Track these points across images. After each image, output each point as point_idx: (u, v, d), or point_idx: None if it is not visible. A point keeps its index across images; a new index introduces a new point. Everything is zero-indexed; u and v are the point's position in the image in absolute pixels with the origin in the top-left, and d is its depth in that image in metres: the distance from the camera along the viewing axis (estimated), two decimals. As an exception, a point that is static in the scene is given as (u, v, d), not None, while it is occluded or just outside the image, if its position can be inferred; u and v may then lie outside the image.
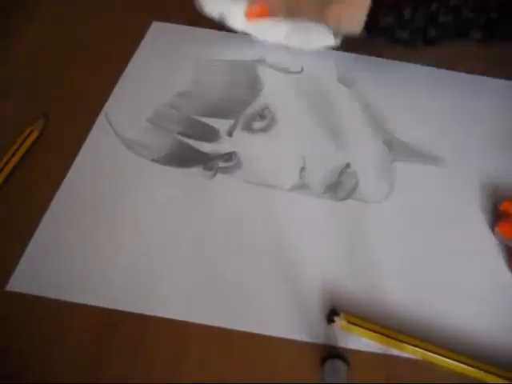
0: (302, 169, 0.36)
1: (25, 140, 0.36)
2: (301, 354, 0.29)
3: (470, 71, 0.43)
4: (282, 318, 0.30)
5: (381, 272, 0.32)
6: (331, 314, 0.29)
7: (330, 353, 0.28)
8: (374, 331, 0.29)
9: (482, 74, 0.43)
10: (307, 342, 0.29)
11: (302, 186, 0.35)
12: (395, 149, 0.37)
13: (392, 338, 0.28)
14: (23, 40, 0.44)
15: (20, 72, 0.42)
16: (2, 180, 0.35)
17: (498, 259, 0.33)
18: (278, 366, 0.28)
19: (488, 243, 0.34)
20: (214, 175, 0.36)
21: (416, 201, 0.35)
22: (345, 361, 0.27)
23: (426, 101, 0.41)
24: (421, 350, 0.28)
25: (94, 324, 0.29)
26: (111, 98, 0.40)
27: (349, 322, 0.29)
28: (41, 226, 0.33)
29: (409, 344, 0.28)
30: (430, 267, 0.32)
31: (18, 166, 0.36)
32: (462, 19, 0.35)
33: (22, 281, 0.30)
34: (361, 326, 0.29)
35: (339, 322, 0.29)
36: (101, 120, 0.38)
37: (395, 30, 0.36)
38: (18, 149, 0.36)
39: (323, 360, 0.28)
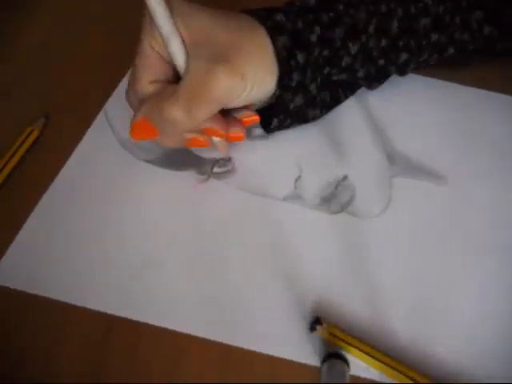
0: (298, 178, 0.35)
1: (25, 140, 0.36)
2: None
3: (475, 85, 0.42)
4: (275, 335, 0.29)
5: (372, 286, 0.31)
6: (314, 323, 0.29)
7: (330, 353, 0.28)
8: (355, 347, 0.28)
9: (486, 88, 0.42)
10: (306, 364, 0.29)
11: (295, 197, 0.35)
12: (396, 163, 0.37)
13: (373, 357, 0.28)
14: (23, 40, 0.44)
15: (20, 72, 0.42)
16: (1, 180, 0.35)
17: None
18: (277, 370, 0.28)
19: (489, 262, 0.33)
20: (207, 180, 0.35)
21: (412, 218, 0.34)
22: (345, 361, 0.27)
23: (429, 114, 0.40)
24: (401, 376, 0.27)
25: (91, 326, 0.29)
26: (112, 98, 0.40)
27: (330, 334, 0.28)
28: (26, 225, 0.33)
29: (392, 368, 0.27)
30: (425, 286, 0.31)
31: (18, 166, 0.36)
32: (355, 77, 0.35)
33: (7, 276, 0.31)
34: (342, 340, 0.28)
35: (320, 331, 0.28)
36: (99, 119, 0.38)
37: (307, 111, 0.35)
38: (17, 149, 0.36)
39: (323, 360, 0.28)
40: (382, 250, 0.33)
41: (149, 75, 0.30)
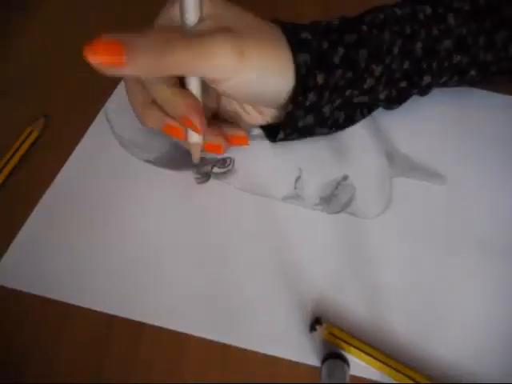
0: (298, 179, 0.35)
1: (25, 140, 0.36)
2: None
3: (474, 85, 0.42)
4: (275, 335, 0.29)
5: (372, 286, 0.31)
6: (314, 323, 0.29)
7: (330, 353, 0.28)
8: (355, 347, 0.28)
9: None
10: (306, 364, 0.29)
11: (295, 197, 0.35)
12: (396, 163, 0.37)
13: (373, 357, 0.28)
14: (23, 40, 0.44)
15: (20, 71, 0.42)
16: (1, 180, 0.35)
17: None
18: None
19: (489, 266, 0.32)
20: (207, 180, 0.35)
21: (412, 218, 0.34)
22: (345, 361, 0.27)
23: (429, 114, 0.40)
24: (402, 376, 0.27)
25: (91, 326, 0.29)
26: (112, 98, 0.40)
27: (330, 334, 0.28)
28: (26, 225, 0.33)
29: (392, 368, 0.28)
30: (425, 286, 0.31)
31: (18, 166, 0.36)
32: (377, 99, 0.35)
33: (7, 276, 0.31)
34: (342, 340, 0.28)
35: (320, 331, 0.29)
36: (99, 119, 0.38)
37: (314, 130, 0.34)
38: (17, 149, 0.36)
39: (323, 360, 0.28)
40: (382, 249, 0.33)
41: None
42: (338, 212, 0.34)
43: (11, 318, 0.29)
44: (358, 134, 0.38)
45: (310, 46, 0.30)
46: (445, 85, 0.38)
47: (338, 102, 0.33)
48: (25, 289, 0.30)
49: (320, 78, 0.30)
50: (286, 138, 0.34)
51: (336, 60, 0.31)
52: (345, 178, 0.35)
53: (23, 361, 0.28)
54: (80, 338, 0.29)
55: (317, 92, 0.31)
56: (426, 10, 0.34)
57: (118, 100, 0.40)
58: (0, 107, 0.39)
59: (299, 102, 0.31)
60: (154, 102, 0.30)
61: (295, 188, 0.35)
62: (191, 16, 0.27)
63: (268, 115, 0.34)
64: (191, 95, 0.29)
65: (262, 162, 0.36)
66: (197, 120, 0.28)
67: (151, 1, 0.49)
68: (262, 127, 0.36)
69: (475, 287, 0.32)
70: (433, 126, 0.39)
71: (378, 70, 0.32)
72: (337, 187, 0.35)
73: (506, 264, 0.33)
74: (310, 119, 0.33)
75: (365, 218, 0.34)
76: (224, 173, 0.36)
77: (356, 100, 0.34)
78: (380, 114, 0.39)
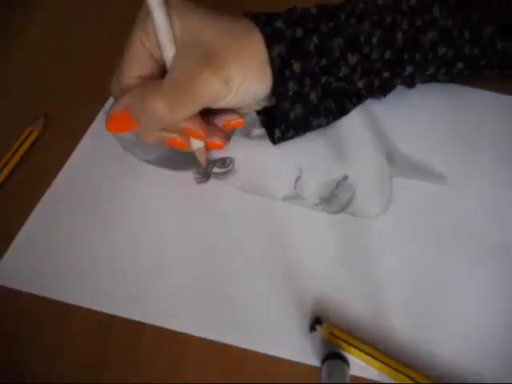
0: (298, 179, 0.35)
1: (25, 140, 0.36)
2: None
3: (475, 85, 0.42)
4: (275, 335, 0.29)
5: (373, 286, 0.31)
6: (314, 323, 0.29)
7: (330, 353, 0.28)
8: (355, 347, 0.28)
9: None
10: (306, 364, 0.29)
11: (295, 197, 0.35)
12: (396, 164, 0.36)
13: (373, 357, 0.28)
14: (23, 40, 0.44)
15: (20, 72, 0.42)
16: (1, 180, 0.35)
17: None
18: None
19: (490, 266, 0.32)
20: (207, 180, 0.35)
21: (412, 218, 0.34)
22: (345, 361, 0.27)
23: (429, 114, 0.40)
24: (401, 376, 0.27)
25: (91, 326, 0.29)
26: (112, 98, 0.40)
27: (330, 334, 0.28)
28: (26, 225, 0.33)
29: (392, 368, 0.28)
30: (425, 286, 0.31)
31: (18, 166, 0.36)
32: (355, 87, 0.35)
33: (7, 276, 0.31)
34: (342, 340, 0.28)
35: (320, 331, 0.29)
36: (99, 119, 0.38)
37: (309, 121, 0.34)
38: (17, 149, 0.36)
39: (323, 360, 0.28)
40: (382, 249, 0.33)
41: (135, 69, 0.29)
42: (338, 212, 0.34)
43: (11, 318, 0.30)
44: (358, 134, 0.38)
45: (283, 36, 0.30)
46: (433, 77, 0.37)
47: (318, 89, 0.33)
48: (25, 289, 0.30)
49: (297, 67, 0.31)
50: (284, 137, 0.35)
51: (311, 48, 0.31)
52: (345, 177, 0.35)
53: (23, 361, 0.28)
54: (80, 337, 0.29)
55: (296, 80, 0.31)
56: (411, 1, 0.34)
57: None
58: (0, 107, 0.39)
59: (281, 93, 0.31)
60: None
61: (295, 188, 0.35)
62: (164, 35, 0.27)
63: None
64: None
65: (262, 162, 0.36)
66: (198, 128, 0.29)
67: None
68: (264, 126, 0.36)
69: (475, 287, 0.32)
70: (433, 127, 0.39)
71: (353, 59, 0.33)
72: (337, 187, 0.35)
73: (506, 264, 0.33)
74: (298, 109, 0.33)
75: (365, 218, 0.34)
76: (224, 173, 0.36)
77: (334, 85, 0.34)
78: (380, 114, 0.39)
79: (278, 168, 0.36)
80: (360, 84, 0.35)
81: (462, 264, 0.32)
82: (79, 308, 0.30)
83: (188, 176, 0.35)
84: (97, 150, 0.37)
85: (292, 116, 0.33)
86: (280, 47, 0.30)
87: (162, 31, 0.27)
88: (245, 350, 0.29)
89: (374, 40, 0.33)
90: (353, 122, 0.38)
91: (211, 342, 0.29)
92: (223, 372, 0.28)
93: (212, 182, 0.35)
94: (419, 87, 0.38)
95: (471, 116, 0.40)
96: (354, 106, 0.36)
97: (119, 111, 0.29)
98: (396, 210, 0.35)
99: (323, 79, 0.33)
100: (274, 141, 0.35)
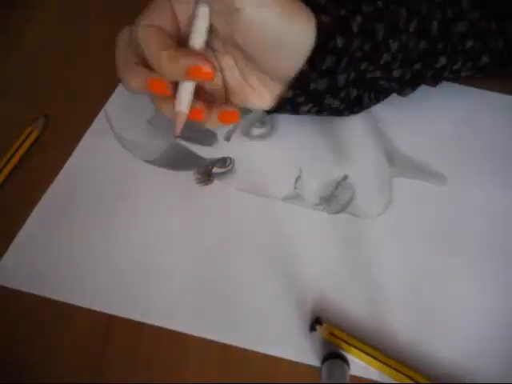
0: (298, 179, 0.35)
1: (25, 140, 0.36)
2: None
3: (475, 85, 0.42)
4: (275, 335, 0.29)
5: (372, 286, 0.31)
6: (314, 323, 0.29)
7: (330, 353, 0.28)
8: (355, 347, 0.28)
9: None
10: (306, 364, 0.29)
11: (295, 197, 0.35)
12: (396, 164, 0.36)
13: (373, 357, 0.28)
14: (23, 40, 0.44)
15: (20, 72, 0.42)
16: (1, 180, 0.35)
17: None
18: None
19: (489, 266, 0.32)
20: (207, 181, 0.35)
21: (412, 218, 0.34)
22: (345, 361, 0.27)
23: (429, 114, 0.40)
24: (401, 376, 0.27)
25: (91, 326, 0.29)
26: (112, 98, 0.40)
27: (330, 334, 0.28)
28: (26, 225, 0.33)
29: (392, 368, 0.28)
30: (424, 286, 0.31)
31: (18, 166, 0.36)
32: (390, 77, 0.34)
33: (7, 275, 0.31)
34: (342, 340, 0.28)
35: (320, 331, 0.28)
36: (99, 119, 0.38)
37: (324, 97, 0.33)
38: (17, 149, 0.36)
39: (323, 360, 0.28)
40: (382, 249, 0.33)
41: (151, 19, 0.28)
42: (338, 212, 0.34)
43: (11, 318, 0.30)
44: (358, 134, 0.38)
45: (328, 10, 0.29)
46: (457, 73, 0.37)
47: (352, 75, 0.32)
48: (25, 289, 0.30)
49: (340, 42, 0.29)
50: (283, 107, 0.32)
51: (355, 28, 0.30)
52: (345, 178, 0.35)
53: (23, 361, 0.28)
54: (80, 338, 0.29)
55: (335, 56, 0.30)
56: None
57: (118, 100, 0.40)
58: (0, 107, 0.39)
59: (316, 62, 0.29)
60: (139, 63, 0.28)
61: (295, 188, 0.35)
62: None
63: (273, 91, 0.32)
64: (190, 50, 0.27)
65: (262, 162, 0.36)
66: (207, 64, 0.26)
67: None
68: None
69: (475, 287, 0.32)
70: (433, 127, 0.39)
71: (394, 45, 0.32)
72: (337, 187, 0.35)
73: (505, 264, 0.33)
74: (322, 84, 0.31)
75: (365, 218, 0.34)
76: (224, 173, 0.36)
77: (369, 75, 0.33)
78: (380, 114, 0.39)
79: (278, 168, 0.36)
80: (396, 73, 0.34)
81: (462, 264, 0.32)
82: (79, 308, 0.30)
83: (188, 176, 0.35)
84: (97, 149, 0.37)
85: (312, 86, 0.31)
86: (326, 17, 0.29)
87: None
88: (245, 350, 0.29)
89: (412, 28, 0.32)
90: (353, 122, 0.38)
91: (211, 341, 0.29)
92: (223, 372, 0.28)
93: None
94: (419, 88, 0.38)
95: (471, 116, 0.40)
96: (371, 102, 0.36)
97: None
98: (396, 209, 0.35)
99: (363, 65, 0.32)
100: (271, 109, 0.32)
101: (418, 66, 0.34)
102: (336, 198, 0.35)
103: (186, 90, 0.27)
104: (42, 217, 0.33)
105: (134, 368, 0.28)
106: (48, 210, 0.34)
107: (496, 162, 0.38)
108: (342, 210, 0.34)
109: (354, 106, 0.35)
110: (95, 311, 0.30)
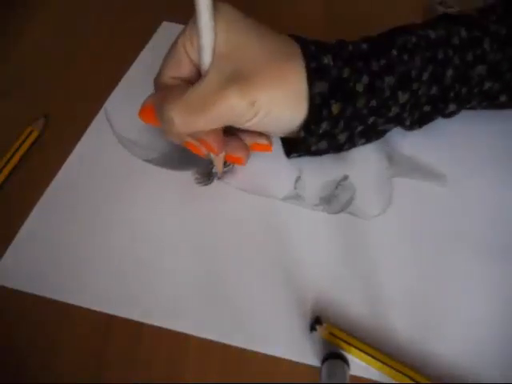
0: (298, 179, 0.35)
1: (25, 140, 0.36)
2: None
3: None
4: (275, 335, 0.29)
5: (373, 286, 0.31)
6: (314, 323, 0.29)
7: (330, 353, 0.28)
8: (355, 347, 0.28)
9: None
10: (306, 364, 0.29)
11: (295, 197, 0.35)
12: (396, 164, 0.36)
13: (373, 357, 0.28)
14: (23, 40, 0.44)
15: (20, 72, 0.42)
16: (1, 180, 0.35)
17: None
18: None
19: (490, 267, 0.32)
20: (207, 182, 0.35)
21: (412, 218, 0.34)
22: (345, 361, 0.27)
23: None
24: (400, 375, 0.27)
25: (91, 326, 0.29)
26: (112, 98, 0.40)
27: (330, 334, 0.28)
28: (26, 225, 0.33)
29: (392, 368, 0.28)
30: (424, 286, 0.31)
31: (18, 166, 0.36)
32: (402, 126, 0.34)
33: (7, 276, 0.31)
34: (342, 340, 0.28)
35: (320, 331, 0.28)
36: (99, 119, 0.38)
37: (328, 152, 0.34)
38: (17, 149, 0.36)
39: (323, 360, 0.28)
40: (382, 249, 0.33)
41: (171, 70, 0.30)
42: (338, 212, 0.34)
43: (11, 318, 0.29)
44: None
45: (329, 74, 0.29)
46: (472, 108, 0.36)
47: (359, 128, 0.32)
48: (25, 289, 0.30)
49: (335, 108, 0.29)
50: (299, 156, 0.34)
51: (359, 88, 0.30)
52: (345, 178, 0.35)
53: (23, 361, 0.28)
54: (80, 338, 0.29)
55: (331, 121, 0.30)
56: (461, 33, 0.32)
57: (117, 100, 0.40)
58: (0, 107, 0.39)
59: (311, 130, 0.30)
60: None
61: (295, 188, 0.35)
62: (205, 39, 0.27)
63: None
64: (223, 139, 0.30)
65: (262, 162, 0.36)
66: (213, 142, 0.30)
67: (150, 1, 0.49)
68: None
69: (475, 287, 0.32)
70: (433, 127, 0.39)
71: (404, 97, 0.31)
72: (337, 187, 0.35)
73: (506, 264, 0.33)
74: (323, 145, 0.32)
75: (365, 218, 0.34)
76: (224, 173, 0.36)
77: (381, 127, 0.33)
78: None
79: (278, 168, 0.36)
80: (407, 122, 0.34)
81: (462, 264, 0.32)
82: (79, 308, 0.30)
83: (188, 176, 0.35)
84: (96, 149, 0.37)
85: (314, 148, 0.32)
86: (323, 85, 0.29)
87: (204, 33, 0.27)
88: (245, 350, 0.29)
89: (425, 76, 0.31)
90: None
91: (211, 341, 0.29)
92: (223, 372, 0.28)
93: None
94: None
95: (471, 116, 0.40)
96: (379, 138, 0.35)
97: (145, 106, 0.31)
98: (396, 210, 0.35)
99: (370, 120, 0.31)
100: (289, 157, 0.34)
101: (426, 108, 0.33)
102: (336, 198, 0.35)
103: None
104: (41, 217, 0.33)
105: (134, 368, 0.28)
106: (48, 209, 0.34)
107: (496, 162, 0.38)
108: (342, 210, 0.34)
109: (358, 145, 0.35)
110: (95, 311, 0.30)
